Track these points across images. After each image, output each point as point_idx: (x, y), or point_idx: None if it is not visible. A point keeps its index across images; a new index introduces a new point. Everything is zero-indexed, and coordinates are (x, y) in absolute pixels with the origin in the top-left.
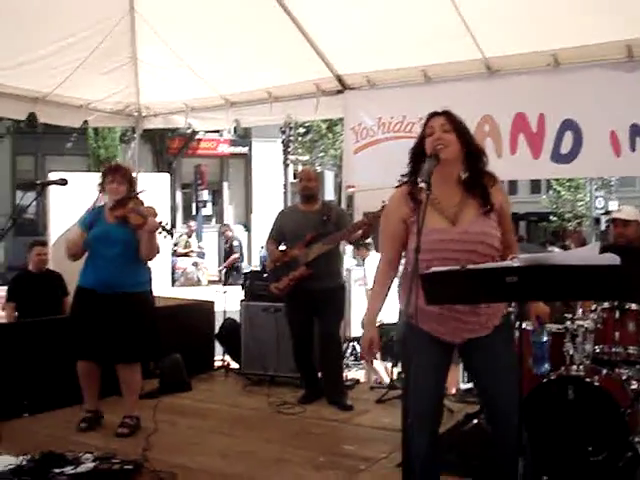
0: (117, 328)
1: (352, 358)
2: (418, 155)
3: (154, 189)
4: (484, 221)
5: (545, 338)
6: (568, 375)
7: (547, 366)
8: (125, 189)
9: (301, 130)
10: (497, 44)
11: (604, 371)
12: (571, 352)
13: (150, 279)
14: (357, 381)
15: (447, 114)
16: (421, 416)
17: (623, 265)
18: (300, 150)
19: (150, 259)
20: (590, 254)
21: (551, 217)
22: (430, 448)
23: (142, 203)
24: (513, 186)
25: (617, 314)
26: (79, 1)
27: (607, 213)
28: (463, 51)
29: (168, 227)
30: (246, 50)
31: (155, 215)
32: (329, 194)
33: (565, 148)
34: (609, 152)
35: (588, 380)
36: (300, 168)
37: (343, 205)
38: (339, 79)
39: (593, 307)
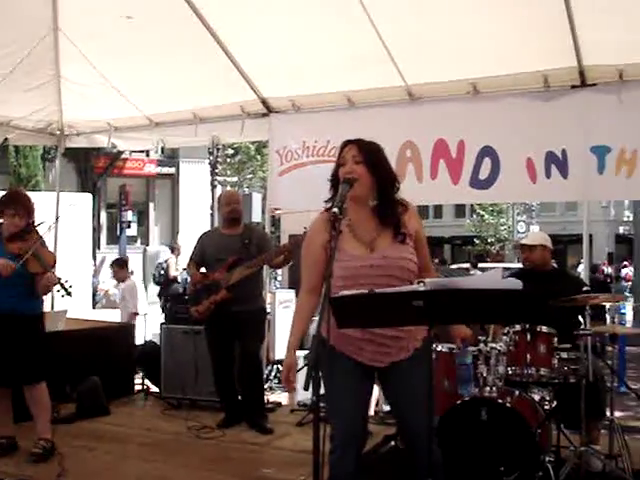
0: (9, 350)
1: (276, 381)
2: (336, 181)
3: (76, 209)
4: (401, 247)
5: (470, 360)
6: (481, 396)
7: (472, 387)
8: (25, 221)
9: (230, 151)
10: (419, 72)
11: (516, 392)
12: (485, 374)
13: (41, 301)
14: (279, 404)
15: (359, 144)
16: (345, 439)
17: (526, 289)
18: (229, 172)
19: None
20: (494, 278)
21: (475, 240)
22: (355, 471)
23: (42, 243)
24: (438, 210)
25: (529, 337)
26: (2, 18)
27: None
28: (386, 78)
29: (68, 285)
30: (171, 71)
31: (54, 264)
32: (257, 216)
33: (483, 174)
34: (525, 178)
35: (500, 401)
36: (229, 189)
37: (267, 227)
38: (264, 102)
39: (506, 330)
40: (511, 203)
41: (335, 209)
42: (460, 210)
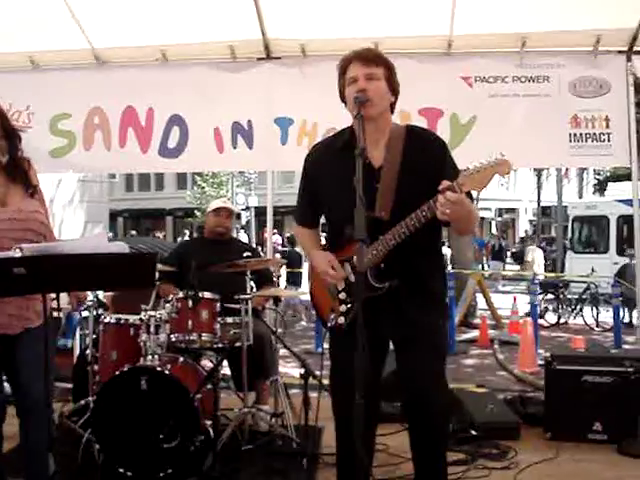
0: None
1: None
2: None
3: None
4: (32, 201)
5: (77, 316)
6: (142, 366)
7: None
8: None
9: None
10: (106, 35)
11: (180, 359)
12: (148, 343)
13: None
14: None
15: None
16: None
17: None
18: None
19: None
20: (99, 243)
21: (196, 213)
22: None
23: None
24: (159, 182)
25: (190, 303)
26: None
27: (247, 209)
28: (71, 40)
29: None
30: None
31: None
32: None
33: (172, 143)
34: (213, 148)
35: (159, 369)
36: None
37: None
38: None
39: (170, 297)
40: (231, 175)
41: None
42: (182, 181)
